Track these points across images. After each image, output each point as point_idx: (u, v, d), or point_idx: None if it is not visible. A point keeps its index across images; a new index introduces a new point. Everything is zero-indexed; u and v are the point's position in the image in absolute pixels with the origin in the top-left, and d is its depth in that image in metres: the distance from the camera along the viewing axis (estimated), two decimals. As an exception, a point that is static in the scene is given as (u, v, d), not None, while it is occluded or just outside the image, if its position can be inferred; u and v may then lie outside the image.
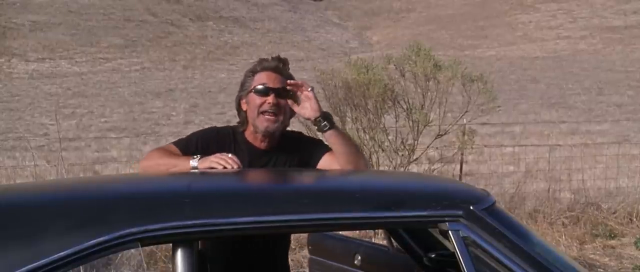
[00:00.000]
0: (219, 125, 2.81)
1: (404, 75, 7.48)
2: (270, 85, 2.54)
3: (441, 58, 7.76)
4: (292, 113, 2.64)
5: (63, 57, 41.57)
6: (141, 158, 2.58)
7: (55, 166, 7.38)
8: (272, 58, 2.64)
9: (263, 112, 2.53)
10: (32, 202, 1.82)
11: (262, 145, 2.59)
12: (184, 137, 2.64)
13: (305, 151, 2.61)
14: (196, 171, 2.34)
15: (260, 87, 2.54)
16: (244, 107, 2.62)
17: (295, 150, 2.60)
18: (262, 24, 57.09)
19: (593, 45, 47.74)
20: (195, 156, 2.38)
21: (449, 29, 58.03)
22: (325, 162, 2.57)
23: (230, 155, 2.37)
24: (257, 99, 2.54)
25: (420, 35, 48.57)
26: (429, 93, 7.37)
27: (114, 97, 26.78)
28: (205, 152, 2.47)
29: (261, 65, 2.61)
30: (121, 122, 20.72)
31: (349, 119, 7.33)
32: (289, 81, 2.55)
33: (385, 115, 7.33)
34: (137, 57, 44.10)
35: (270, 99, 2.52)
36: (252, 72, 2.62)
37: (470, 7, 65.24)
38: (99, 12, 50.39)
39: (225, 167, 2.33)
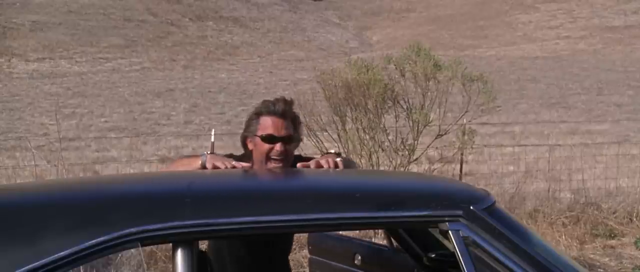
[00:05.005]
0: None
1: (404, 75, 7.49)
2: (277, 133, 2.58)
3: (441, 58, 7.77)
4: (296, 146, 2.71)
5: (63, 57, 41.57)
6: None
7: (55, 166, 7.38)
8: (277, 100, 2.65)
9: (271, 159, 2.58)
10: (32, 202, 1.82)
11: None
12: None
13: None
14: (202, 170, 2.38)
15: (266, 136, 2.58)
16: (250, 146, 2.66)
17: None
18: (262, 24, 57.09)
19: (593, 45, 47.74)
20: (204, 153, 2.45)
21: (449, 29, 58.04)
22: None
23: (233, 161, 2.42)
24: (264, 146, 2.59)
25: (420, 35, 48.57)
26: (429, 93, 7.38)
27: (114, 97, 26.79)
28: None
29: (267, 109, 2.63)
30: (121, 122, 20.72)
31: (349, 119, 7.34)
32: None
33: (385, 115, 7.33)
34: (137, 57, 44.10)
35: (278, 147, 2.57)
36: (257, 114, 2.65)
37: (470, 7, 65.24)
38: (99, 12, 50.40)
39: (216, 167, 2.38)
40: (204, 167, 2.41)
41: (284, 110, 2.62)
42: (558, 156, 10.03)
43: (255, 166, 2.62)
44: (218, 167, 2.38)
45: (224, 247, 2.62)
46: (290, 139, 2.62)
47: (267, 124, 2.60)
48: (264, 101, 2.69)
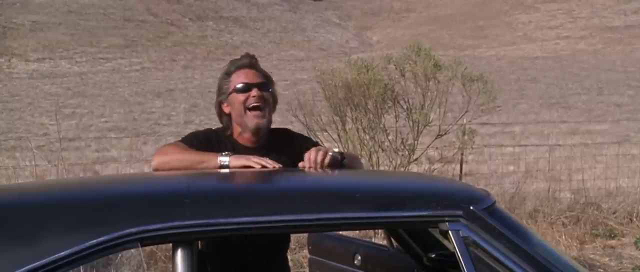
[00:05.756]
0: (217, 124, 2.79)
1: (404, 75, 7.49)
2: (250, 81, 2.55)
3: (441, 58, 7.77)
4: (274, 106, 2.64)
5: (63, 57, 41.58)
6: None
7: (55, 166, 7.38)
8: (242, 56, 2.64)
9: (249, 109, 2.53)
10: (32, 202, 1.82)
11: (252, 143, 2.58)
12: (185, 136, 2.62)
13: (296, 146, 2.59)
14: (226, 169, 2.33)
15: (240, 85, 2.54)
16: (227, 110, 2.60)
17: (285, 145, 2.59)
18: (262, 24, 57.10)
19: (593, 45, 47.74)
20: (223, 153, 2.37)
21: (449, 29, 58.04)
22: None
23: (266, 159, 2.34)
24: (240, 97, 2.54)
25: (420, 35, 48.58)
26: (429, 93, 7.39)
27: (114, 97, 26.79)
28: (210, 151, 2.46)
29: (235, 65, 2.60)
30: (121, 122, 20.72)
31: (349, 119, 7.34)
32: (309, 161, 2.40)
33: (385, 115, 7.34)
34: (137, 57, 44.10)
35: (254, 92, 2.52)
36: (227, 74, 2.60)
37: (470, 7, 65.24)
38: (99, 12, 50.40)
39: (264, 167, 2.31)
40: (222, 167, 2.33)
41: (252, 63, 2.59)
42: (558, 156, 10.03)
43: (237, 129, 2.57)
44: (251, 167, 2.30)
45: (219, 248, 2.56)
46: (266, 86, 2.56)
47: (239, 77, 2.56)
48: (230, 61, 2.65)
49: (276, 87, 2.70)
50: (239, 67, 2.58)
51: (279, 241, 2.66)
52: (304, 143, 2.64)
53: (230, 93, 2.56)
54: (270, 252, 2.62)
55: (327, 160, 2.37)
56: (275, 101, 2.65)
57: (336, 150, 2.52)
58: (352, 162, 2.63)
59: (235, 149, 2.55)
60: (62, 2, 50.08)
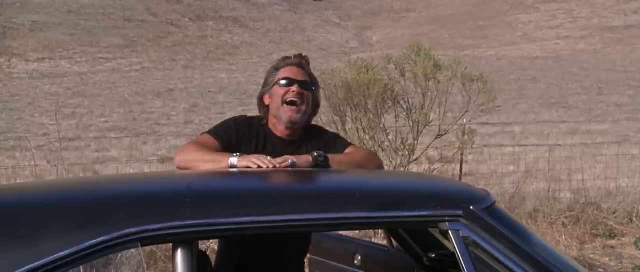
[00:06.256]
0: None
1: (404, 75, 7.48)
2: (294, 77, 2.62)
3: (441, 58, 7.76)
4: (315, 110, 2.72)
5: (63, 57, 41.58)
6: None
7: (55, 166, 7.37)
8: (295, 55, 2.73)
9: (287, 103, 2.59)
10: (32, 202, 1.81)
11: (285, 136, 2.65)
12: (216, 125, 2.67)
13: (328, 143, 2.66)
14: (235, 169, 2.35)
15: (283, 81, 2.62)
16: (267, 101, 2.68)
17: (318, 141, 2.65)
18: (262, 24, 57.12)
19: (593, 45, 47.76)
20: (235, 154, 2.40)
21: (449, 29, 58.04)
22: None
23: (268, 158, 2.37)
24: (281, 90, 2.62)
25: (420, 35, 48.58)
26: (429, 93, 7.37)
27: (114, 97, 26.78)
28: (240, 139, 2.55)
29: (284, 62, 2.69)
30: (121, 122, 20.71)
31: (349, 119, 7.34)
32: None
33: (385, 115, 7.33)
34: (137, 57, 44.11)
35: (294, 88, 2.60)
36: (276, 68, 2.69)
37: (470, 7, 65.25)
38: (99, 12, 50.42)
39: (260, 167, 2.33)
40: (231, 167, 2.36)
41: (301, 62, 2.68)
42: (558, 156, 10.03)
43: (272, 120, 2.64)
44: (260, 167, 2.31)
45: (235, 247, 2.59)
46: (308, 85, 2.64)
47: (285, 72, 2.64)
48: (282, 57, 2.75)
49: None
50: (288, 64, 2.68)
51: (298, 248, 2.69)
52: (331, 139, 2.74)
53: (273, 85, 2.65)
54: (288, 258, 2.64)
55: (283, 165, 2.37)
56: (316, 104, 2.73)
57: (315, 154, 2.50)
58: (363, 162, 2.60)
59: (268, 137, 2.64)
60: (62, 2, 50.10)
